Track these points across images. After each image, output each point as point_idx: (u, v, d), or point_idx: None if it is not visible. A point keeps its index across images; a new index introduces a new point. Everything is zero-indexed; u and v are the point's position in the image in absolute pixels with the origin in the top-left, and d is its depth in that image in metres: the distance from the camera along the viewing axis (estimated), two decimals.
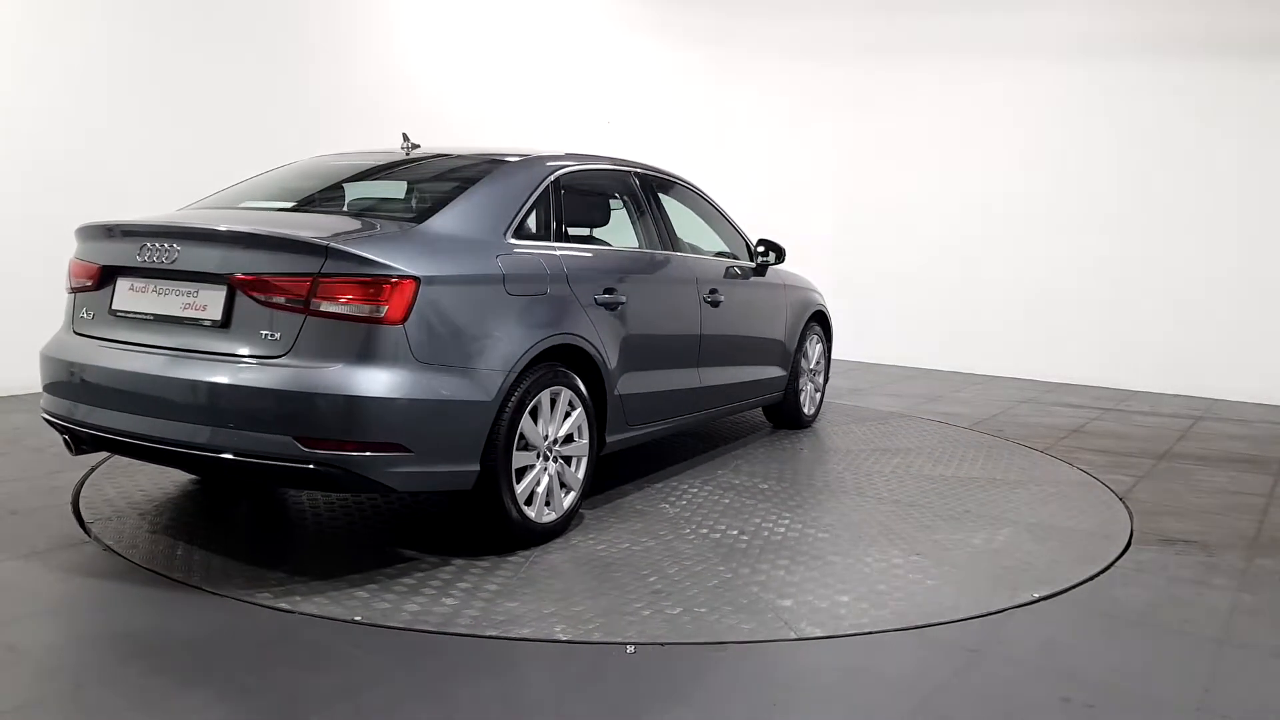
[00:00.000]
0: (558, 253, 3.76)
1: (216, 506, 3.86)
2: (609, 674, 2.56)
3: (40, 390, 3.45)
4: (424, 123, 7.74)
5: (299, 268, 2.96)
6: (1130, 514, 4.29)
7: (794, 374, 5.74)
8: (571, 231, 4.05)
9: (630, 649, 2.66)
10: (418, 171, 4.24)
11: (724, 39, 10.63)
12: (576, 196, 4.09)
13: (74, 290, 3.45)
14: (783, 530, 3.85)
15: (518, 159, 3.95)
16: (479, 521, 3.43)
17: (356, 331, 2.95)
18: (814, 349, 6.04)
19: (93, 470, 4.20)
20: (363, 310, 2.95)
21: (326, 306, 2.93)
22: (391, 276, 2.99)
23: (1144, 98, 8.69)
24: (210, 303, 3.07)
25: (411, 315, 3.00)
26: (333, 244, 2.98)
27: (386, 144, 4.52)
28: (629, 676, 2.54)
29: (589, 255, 4.06)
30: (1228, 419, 7.22)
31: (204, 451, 2.98)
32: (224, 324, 3.03)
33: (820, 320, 6.11)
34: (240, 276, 3.01)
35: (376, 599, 2.93)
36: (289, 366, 2.92)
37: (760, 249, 5.36)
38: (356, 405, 2.90)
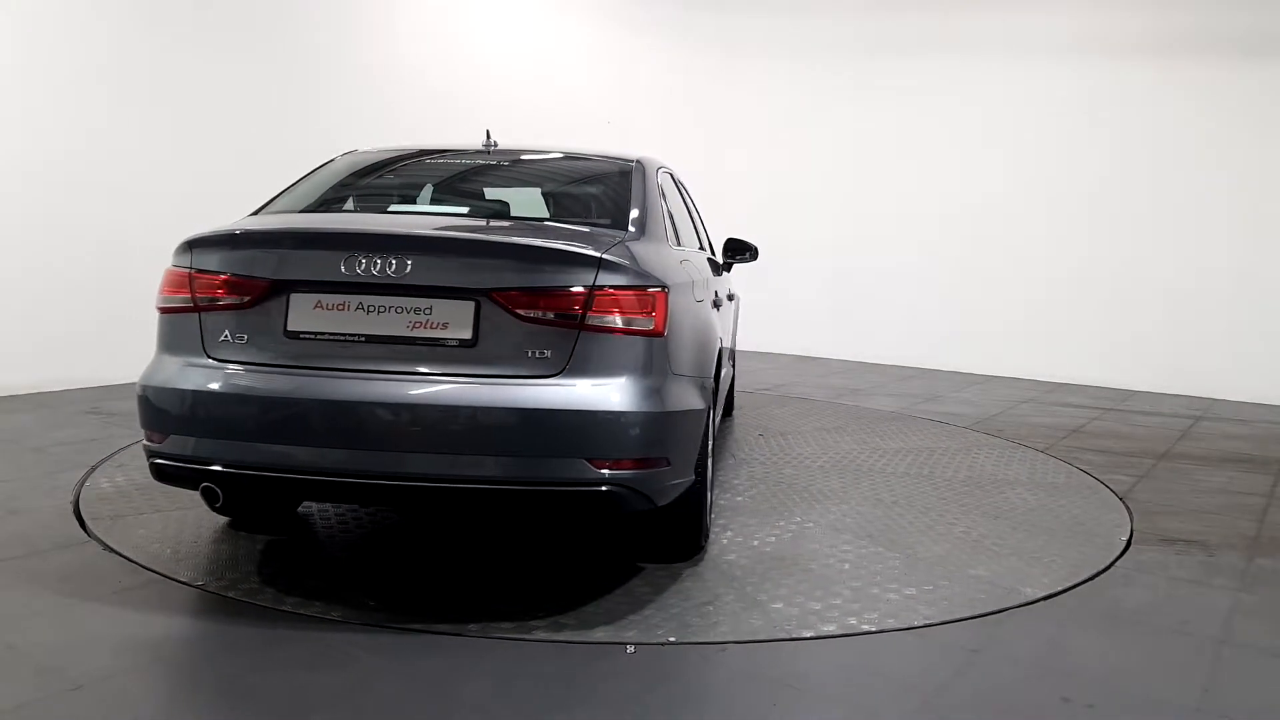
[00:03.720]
0: (692, 257, 3.75)
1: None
2: (610, 674, 2.56)
3: (151, 433, 2.87)
4: (424, 122, 7.76)
5: (572, 281, 2.78)
6: (1130, 514, 4.30)
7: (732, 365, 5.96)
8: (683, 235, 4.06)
9: (630, 649, 2.66)
10: (545, 172, 4.14)
11: (724, 38, 10.64)
12: (671, 198, 4.10)
13: (200, 309, 2.90)
14: (868, 512, 4.12)
15: (634, 160, 3.82)
16: (670, 532, 3.37)
17: (630, 345, 2.84)
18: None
19: (93, 470, 4.20)
20: (635, 323, 2.84)
21: (601, 320, 2.79)
22: (653, 287, 2.91)
23: (1143, 98, 8.70)
24: (453, 320, 2.77)
25: (667, 326, 2.93)
26: (605, 255, 2.84)
27: (468, 138, 4.23)
28: (630, 676, 2.54)
29: (702, 258, 4.08)
30: (1228, 419, 7.23)
31: (475, 484, 2.73)
32: (473, 343, 2.77)
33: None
34: (502, 291, 2.77)
35: (636, 621, 2.87)
36: (572, 385, 2.75)
37: (729, 248, 5.38)
38: (644, 420, 2.80)
